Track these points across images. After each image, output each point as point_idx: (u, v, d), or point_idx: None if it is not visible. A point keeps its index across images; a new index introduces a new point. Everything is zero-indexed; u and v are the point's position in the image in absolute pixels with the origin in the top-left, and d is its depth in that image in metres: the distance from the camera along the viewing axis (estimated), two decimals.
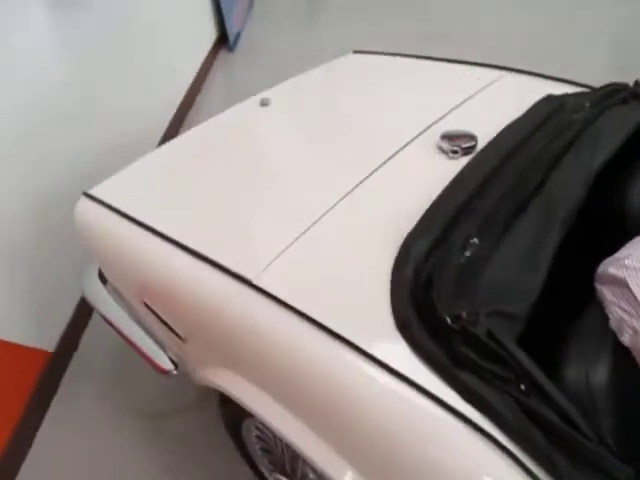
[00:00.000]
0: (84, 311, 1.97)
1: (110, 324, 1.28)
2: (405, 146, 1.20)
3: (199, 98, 3.52)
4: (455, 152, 1.13)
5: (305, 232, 0.99)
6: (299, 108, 1.50)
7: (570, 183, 1.02)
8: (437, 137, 1.19)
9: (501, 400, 0.71)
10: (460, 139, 1.15)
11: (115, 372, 1.85)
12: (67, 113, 1.88)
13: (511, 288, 0.84)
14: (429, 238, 0.91)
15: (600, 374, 0.77)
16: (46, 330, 1.78)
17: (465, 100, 1.37)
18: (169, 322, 1.07)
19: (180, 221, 1.10)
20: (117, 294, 1.31)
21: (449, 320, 0.75)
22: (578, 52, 3.59)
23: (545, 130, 1.16)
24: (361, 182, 1.09)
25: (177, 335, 1.06)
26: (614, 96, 1.27)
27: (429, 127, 1.26)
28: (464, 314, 0.76)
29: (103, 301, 1.29)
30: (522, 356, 0.72)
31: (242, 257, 0.96)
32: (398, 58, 1.78)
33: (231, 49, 4.09)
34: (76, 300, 1.95)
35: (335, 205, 1.04)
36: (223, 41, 4.11)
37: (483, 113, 1.33)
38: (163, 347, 1.19)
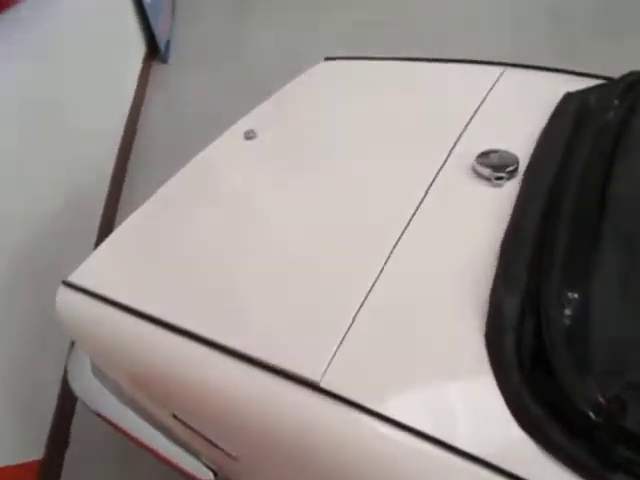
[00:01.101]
0: (67, 402, 1.71)
1: (122, 432, 1.07)
2: (437, 175, 1.05)
3: (142, 120, 3.22)
4: (500, 178, 0.99)
5: (361, 308, 0.82)
6: (293, 139, 1.31)
7: (633, 201, 0.91)
8: (470, 159, 1.05)
9: None
10: (499, 160, 1.02)
11: (113, 464, 1.62)
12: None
13: (628, 347, 0.72)
14: (518, 295, 0.78)
15: None
16: (31, 437, 1.52)
17: (478, 106, 1.24)
18: (215, 440, 0.88)
19: (192, 309, 0.91)
20: (121, 392, 1.10)
21: (593, 415, 0.62)
22: (516, 25, 3.56)
23: (582, 137, 1.05)
24: (405, 229, 0.94)
25: (226, 453, 0.88)
26: (636, 87, 1.17)
27: (455, 145, 1.11)
28: (604, 402, 0.63)
29: (109, 406, 1.08)
30: None
31: (294, 352, 0.79)
32: (377, 62, 1.63)
33: (164, 60, 3.78)
34: (56, 392, 1.69)
35: (384, 266, 0.88)
36: (154, 53, 3.79)
37: (504, 120, 1.20)
38: (196, 454, 1.00)
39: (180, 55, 3.91)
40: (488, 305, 0.78)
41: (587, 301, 0.75)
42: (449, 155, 1.09)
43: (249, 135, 1.32)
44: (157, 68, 3.76)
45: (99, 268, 1.07)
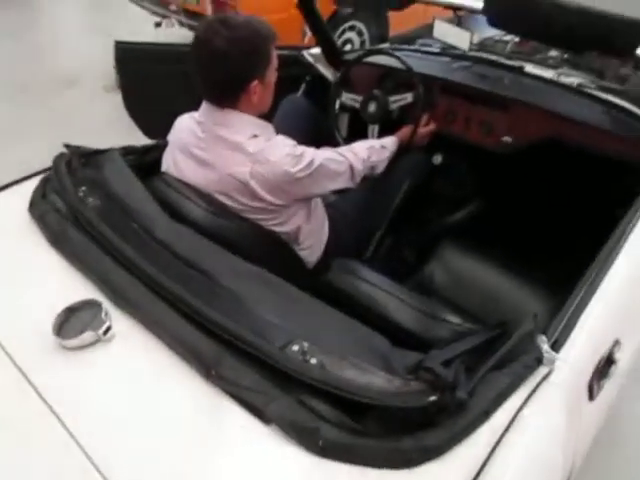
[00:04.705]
0: None
1: None
2: (45, 400, 0.73)
3: None
4: (108, 330, 0.80)
5: None
6: None
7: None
8: (48, 339, 0.79)
9: None
10: (87, 315, 0.82)
11: None
12: None
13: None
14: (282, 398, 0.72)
15: None
16: None
17: None
18: None
19: None
20: None
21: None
22: None
23: (101, 241, 0.93)
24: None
25: None
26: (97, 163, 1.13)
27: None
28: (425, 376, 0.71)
29: None
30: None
31: None
32: None
33: None
34: None
35: None
36: None
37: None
38: None
39: None
40: None
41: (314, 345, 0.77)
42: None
43: None
44: None
45: None
